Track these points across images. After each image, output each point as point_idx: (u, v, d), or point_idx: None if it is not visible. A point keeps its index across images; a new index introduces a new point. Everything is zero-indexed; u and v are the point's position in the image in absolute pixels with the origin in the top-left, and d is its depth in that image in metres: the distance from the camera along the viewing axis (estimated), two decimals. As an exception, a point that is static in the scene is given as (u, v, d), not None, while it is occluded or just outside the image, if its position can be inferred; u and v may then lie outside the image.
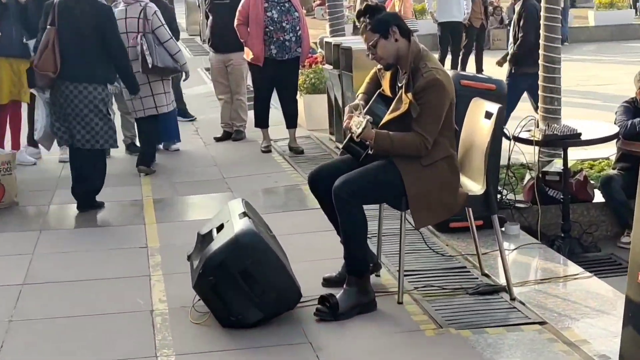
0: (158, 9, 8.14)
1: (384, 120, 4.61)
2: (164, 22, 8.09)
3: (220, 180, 7.89)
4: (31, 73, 6.98)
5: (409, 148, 4.50)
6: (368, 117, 4.51)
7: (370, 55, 4.69)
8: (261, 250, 4.43)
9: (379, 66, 4.87)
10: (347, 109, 4.75)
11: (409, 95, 4.49)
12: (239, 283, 4.38)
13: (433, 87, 4.46)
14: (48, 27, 6.68)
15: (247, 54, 8.70)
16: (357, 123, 4.50)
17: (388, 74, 4.78)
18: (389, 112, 4.63)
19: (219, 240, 4.50)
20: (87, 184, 6.94)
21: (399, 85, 4.67)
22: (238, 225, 4.50)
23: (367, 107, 4.74)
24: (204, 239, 4.78)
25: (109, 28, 6.74)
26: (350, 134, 4.63)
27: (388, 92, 4.78)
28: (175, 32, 9.10)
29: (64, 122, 6.75)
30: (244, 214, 4.63)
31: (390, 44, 4.60)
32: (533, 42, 8.38)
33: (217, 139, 9.64)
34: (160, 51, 7.94)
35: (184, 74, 8.39)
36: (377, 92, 4.82)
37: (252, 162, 8.52)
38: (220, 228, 4.68)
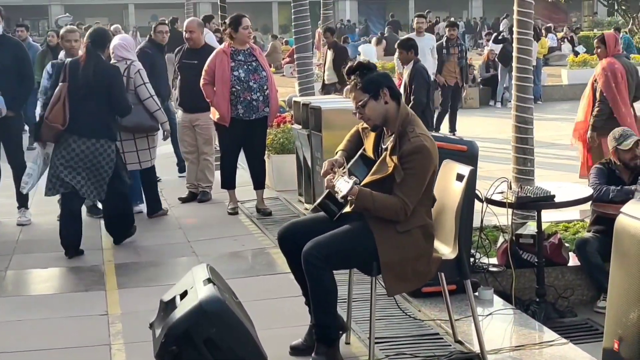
0: (142, 68, 8.50)
1: (366, 180, 4.63)
2: (146, 80, 8.42)
3: (184, 244, 7.87)
4: (37, 127, 7.49)
5: (389, 210, 4.51)
6: (355, 179, 4.53)
7: (357, 114, 4.72)
8: (226, 318, 4.39)
9: (363, 125, 4.90)
10: (325, 163, 4.73)
11: (394, 158, 4.52)
12: (203, 352, 4.33)
13: (420, 154, 4.49)
14: (60, 83, 7.36)
15: (214, 114, 8.73)
16: (342, 183, 4.49)
17: (372, 135, 4.81)
18: (371, 173, 4.65)
19: (183, 308, 4.46)
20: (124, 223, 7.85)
21: (384, 147, 4.70)
22: (202, 292, 4.47)
23: (348, 166, 4.75)
24: (167, 306, 4.72)
25: (115, 86, 7.49)
26: (327, 192, 4.65)
27: (370, 153, 4.81)
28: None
29: (77, 174, 7.41)
30: (209, 280, 4.60)
31: (380, 106, 4.64)
32: (425, 103, 9.90)
33: (182, 200, 9.64)
34: (138, 109, 8.22)
35: (164, 132, 8.72)
36: (359, 153, 4.84)
37: (218, 225, 8.51)
38: (183, 295, 4.63)
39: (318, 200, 4.78)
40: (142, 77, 8.42)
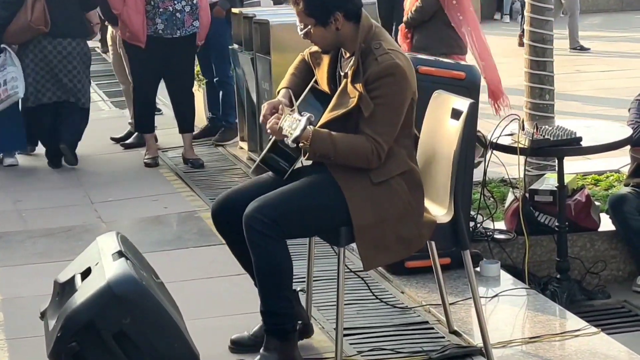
0: None
1: (322, 120, 4.59)
2: None
3: (86, 206, 7.86)
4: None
5: (356, 155, 4.49)
6: (309, 114, 4.45)
7: (303, 35, 4.67)
8: (144, 305, 4.38)
9: (311, 49, 4.87)
10: (265, 106, 4.69)
11: (358, 86, 4.49)
12: (113, 349, 4.33)
13: (391, 76, 4.47)
14: None
15: (123, 31, 8.66)
16: (291, 123, 4.44)
17: (325, 60, 4.77)
18: (328, 109, 4.61)
19: (85, 291, 4.44)
20: (73, 136, 9.12)
21: (343, 73, 4.67)
22: (111, 269, 4.45)
23: (296, 104, 4.70)
24: (64, 289, 4.71)
25: None
26: (272, 142, 4.61)
27: (325, 86, 4.77)
28: None
29: (51, 78, 8.92)
30: (120, 254, 4.58)
31: (330, 33, 4.59)
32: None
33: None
34: None
35: None
36: (310, 86, 4.81)
37: (132, 181, 8.52)
38: (86, 274, 4.61)
39: (261, 155, 4.74)
40: None
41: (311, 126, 4.44)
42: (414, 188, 4.63)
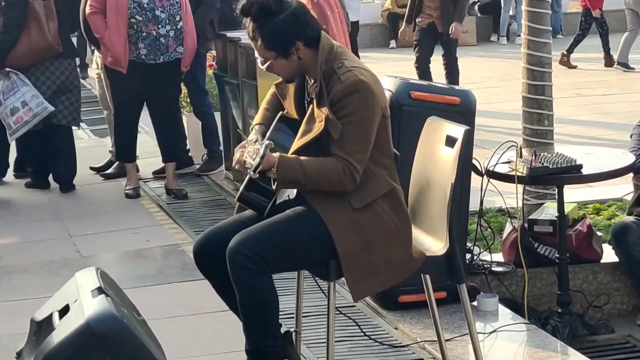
0: None
1: (292, 149, 4.61)
2: None
3: (64, 239, 7.85)
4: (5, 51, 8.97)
5: (327, 179, 4.50)
6: (267, 141, 4.49)
7: (265, 68, 4.68)
8: (125, 343, 4.36)
9: (277, 80, 4.89)
10: (236, 150, 4.73)
11: (324, 109, 4.51)
12: (93, 393, 4.32)
13: (357, 93, 4.48)
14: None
15: (105, 56, 8.68)
16: (251, 153, 4.50)
17: (292, 88, 4.80)
18: (298, 136, 4.63)
19: (63, 330, 4.42)
20: (69, 164, 9.41)
21: (308, 98, 4.71)
22: (90, 307, 4.44)
23: (267, 135, 4.72)
24: (41, 327, 4.70)
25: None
26: (247, 179, 4.63)
27: (294, 113, 4.79)
28: None
29: (56, 99, 9.20)
30: (100, 290, 4.57)
31: (292, 63, 4.61)
32: None
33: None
34: None
35: None
36: (279, 115, 4.82)
37: (112, 213, 8.51)
38: (64, 312, 4.61)
39: (238, 193, 4.74)
40: None
41: (277, 153, 4.47)
42: (398, 208, 4.63)
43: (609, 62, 17.05)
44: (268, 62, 4.61)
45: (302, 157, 4.51)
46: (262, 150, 4.42)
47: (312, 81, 4.67)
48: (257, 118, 4.95)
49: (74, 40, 10.15)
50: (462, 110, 5.79)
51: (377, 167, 4.59)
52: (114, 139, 9.24)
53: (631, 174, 6.96)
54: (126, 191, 8.95)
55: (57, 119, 9.22)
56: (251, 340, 4.63)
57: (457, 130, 4.79)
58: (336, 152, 4.48)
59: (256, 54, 4.70)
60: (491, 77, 16.11)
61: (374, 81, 4.57)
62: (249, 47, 8.35)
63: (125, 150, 8.97)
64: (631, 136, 7.11)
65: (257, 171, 4.44)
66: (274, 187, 4.58)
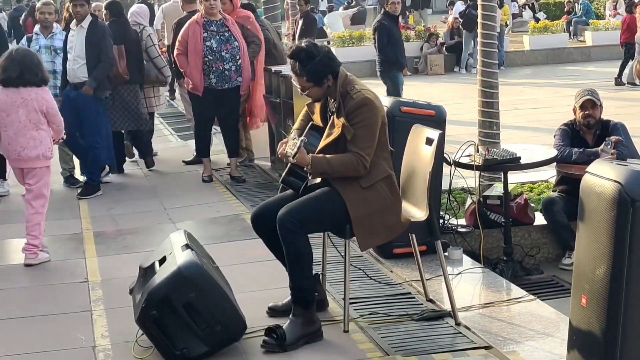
0: (153, 32, 9.93)
1: (319, 147, 4.67)
2: (155, 42, 9.80)
3: (161, 211, 7.82)
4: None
5: (347, 168, 4.54)
6: (302, 137, 4.59)
7: (300, 91, 4.78)
8: (204, 283, 4.39)
9: (307, 101, 4.94)
10: (279, 144, 4.77)
11: (342, 119, 4.57)
12: (183, 316, 4.33)
13: (365, 106, 4.56)
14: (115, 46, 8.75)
15: (187, 84, 8.67)
16: (291, 145, 4.57)
17: (318, 106, 4.86)
18: (323, 138, 4.69)
19: (162, 274, 4.45)
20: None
21: (330, 112, 4.74)
22: (181, 257, 4.46)
23: (302, 136, 4.75)
24: (146, 272, 4.72)
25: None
26: (288, 166, 4.65)
27: (319, 123, 4.83)
28: None
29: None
30: (187, 246, 4.59)
31: (323, 89, 4.69)
32: None
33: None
34: (149, 65, 9.52)
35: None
36: (309, 124, 4.87)
37: (194, 193, 8.46)
38: (162, 261, 4.62)
39: (281, 177, 4.79)
40: (152, 40, 9.60)
41: (310, 154, 4.55)
42: (392, 189, 4.69)
43: (619, 82, 16.73)
44: (307, 91, 4.66)
45: (328, 155, 4.57)
46: (298, 143, 4.53)
47: (333, 100, 4.70)
48: (295, 126, 5.01)
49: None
50: (437, 120, 5.76)
51: (379, 159, 4.63)
52: (195, 141, 9.22)
53: (554, 163, 6.96)
54: (203, 177, 8.93)
55: (130, 126, 9.31)
56: (293, 280, 4.64)
57: (434, 134, 4.79)
58: (351, 148, 4.54)
59: (295, 83, 4.77)
60: (455, 96, 16.00)
61: (376, 98, 4.65)
62: (287, 77, 8.33)
63: (202, 149, 8.95)
64: (554, 136, 7.11)
65: (294, 157, 4.52)
66: (309, 177, 4.61)
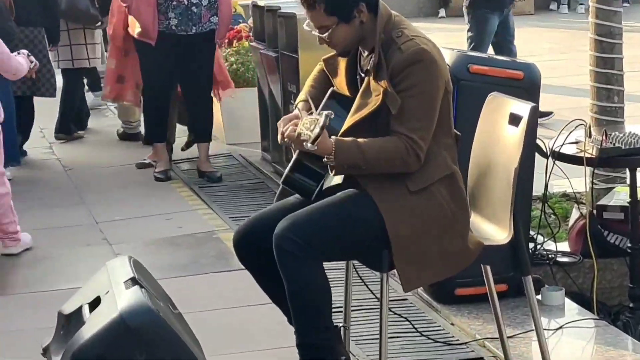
0: None
1: (345, 126, 4.61)
2: None
3: (90, 225, 7.90)
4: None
5: (390, 160, 4.50)
6: (327, 112, 4.43)
7: (319, 40, 4.68)
8: (161, 338, 4.40)
9: (326, 55, 4.89)
10: (280, 122, 4.72)
11: (383, 82, 4.50)
12: (127, 391, 4.36)
13: (419, 62, 4.49)
14: None
15: (132, 27, 8.71)
16: (309, 124, 4.39)
17: (342, 63, 4.79)
18: (351, 112, 4.62)
19: (94, 324, 4.46)
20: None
21: (363, 72, 4.70)
22: (123, 298, 4.47)
23: (317, 111, 4.68)
24: (70, 321, 4.74)
25: None
26: (294, 158, 4.62)
27: (345, 90, 4.78)
28: None
29: None
30: (133, 281, 4.61)
31: (353, 29, 4.61)
32: None
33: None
34: None
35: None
36: (329, 92, 4.80)
37: (142, 197, 8.54)
38: (95, 304, 4.64)
39: (283, 176, 4.72)
40: None
41: (333, 137, 4.45)
42: (456, 194, 4.64)
43: None
44: (327, 32, 4.61)
45: (359, 140, 4.48)
46: (322, 119, 4.34)
47: (366, 53, 4.67)
48: (302, 94, 4.92)
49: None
50: (526, 86, 5.79)
51: (439, 147, 4.58)
52: (144, 117, 9.27)
53: None
54: (155, 174, 8.97)
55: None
56: (302, 334, 4.63)
57: (522, 108, 4.79)
58: (398, 129, 4.47)
59: (308, 28, 4.71)
60: (552, 49, 16.03)
61: (437, 51, 4.57)
62: (289, 17, 8.36)
63: (155, 129, 9.00)
64: None
65: (315, 142, 4.35)
66: (332, 174, 4.58)
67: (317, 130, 4.32)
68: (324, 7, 4.55)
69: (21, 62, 7.59)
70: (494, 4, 11.70)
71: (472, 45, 11.54)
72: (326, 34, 4.60)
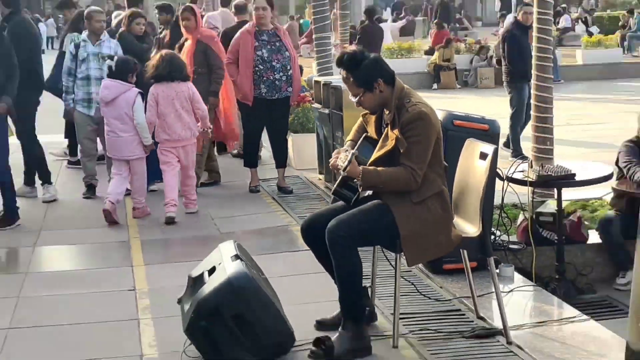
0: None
1: (372, 159, 4.66)
2: None
3: (208, 221, 7.86)
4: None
5: (398, 182, 4.54)
6: (354, 150, 4.59)
7: (355, 103, 4.75)
8: (254, 294, 4.42)
9: (363, 111, 4.92)
10: (333, 154, 4.79)
11: (396, 131, 4.56)
12: (232, 328, 4.36)
13: (420, 120, 4.53)
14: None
15: (237, 93, 8.72)
16: (343, 158, 4.59)
17: (373, 117, 4.85)
18: (376, 150, 4.68)
19: (211, 284, 4.48)
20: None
21: (385, 124, 4.73)
22: (231, 268, 4.49)
23: (355, 148, 4.77)
24: (195, 282, 4.76)
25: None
26: (340, 178, 4.67)
27: (374, 135, 4.83)
28: None
29: None
30: (237, 257, 4.63)
31: (375, 96, 4.66)
32: None
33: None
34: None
35: None
36: (363, 135, 4.87)
37: (241, 203, 8.50)
38: (212, 271, 4.66)
39: (333, 189, 4.83)
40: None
41: (361, 166, 4.55)
42: (444, 205, 4.66)
43: None
44: (358, 97, 4.64)
45: (379, 168, 4.56)
46: (349, 156, 4.56)
47: (388, 112, 4.69)
48: (349, 136, 5.02)
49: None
50: (491, 134, 5.75)
51: (432, 173, 4.61)
52: (244, 151, 9.22)
53: (609, 181, 6.86)
54: (250, 188, 8.96)
55: None
56: (343, 294, 4.64)
57: (488, 148, 4.78)
58: (404, 162, 4.52)
59: (350, 97, 4.76)
60: (506, 111, 15.87)
61: (432, 112, 4.60)
62: (336, 88, 8.36)
63: (251, 159, 8.99)
64: (619, 153, 6.88)
65: (345, 170, 4.55)
66: (360, 189, 4.62)
67: (346, 163, 4.55)
68: (354, 82, 4.60)
69: None
70: (527, 78, 10.74)
71: (514, 109, 11.23)
72: (357, 99, 4.68)
